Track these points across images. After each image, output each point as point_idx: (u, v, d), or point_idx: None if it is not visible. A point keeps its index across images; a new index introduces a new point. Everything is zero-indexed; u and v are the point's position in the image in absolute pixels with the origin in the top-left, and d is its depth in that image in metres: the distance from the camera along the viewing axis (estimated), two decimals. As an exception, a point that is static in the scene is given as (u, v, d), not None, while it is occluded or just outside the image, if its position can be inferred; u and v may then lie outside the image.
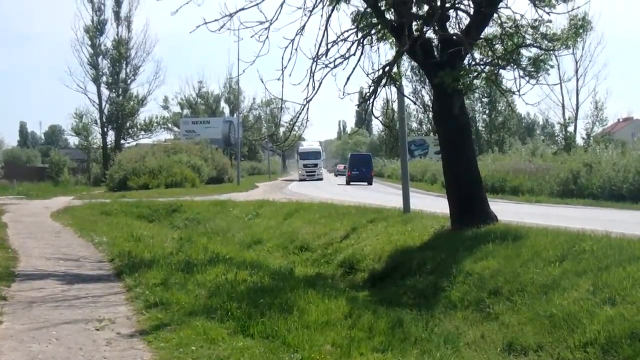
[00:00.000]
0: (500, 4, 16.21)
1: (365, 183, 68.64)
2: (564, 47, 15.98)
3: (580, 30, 15.87)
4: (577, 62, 73.01)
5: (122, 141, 78.25)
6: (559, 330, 9.65)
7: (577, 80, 74.20)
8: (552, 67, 16.13)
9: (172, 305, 10.69)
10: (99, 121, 77.18)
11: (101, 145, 77.32)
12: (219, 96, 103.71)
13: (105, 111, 77.04)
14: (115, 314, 10.58)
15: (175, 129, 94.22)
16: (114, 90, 77.47)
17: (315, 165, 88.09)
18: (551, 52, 16.05)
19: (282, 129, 55.92)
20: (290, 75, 15.52)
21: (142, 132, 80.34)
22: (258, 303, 10.55)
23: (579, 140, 74.17)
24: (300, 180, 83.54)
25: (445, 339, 9.81)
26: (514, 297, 11.24)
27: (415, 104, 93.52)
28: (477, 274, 12.69)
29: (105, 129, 77.43)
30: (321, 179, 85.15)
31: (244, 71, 30.80)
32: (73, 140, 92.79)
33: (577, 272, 11.08)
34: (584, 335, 9.18)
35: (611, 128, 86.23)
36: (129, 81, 78.34)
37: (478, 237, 14.71)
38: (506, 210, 21.74)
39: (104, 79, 76.96)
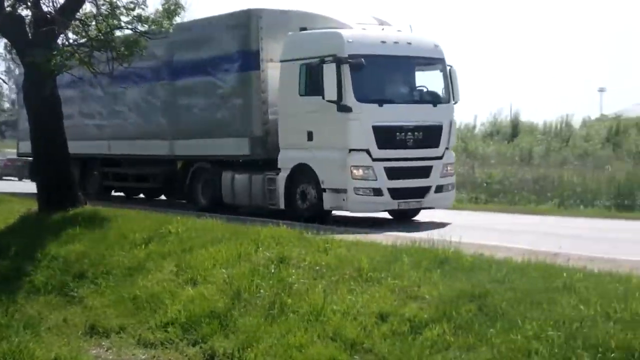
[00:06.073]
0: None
1: None
2: (158, 29, 16.15)
3: (173, 13, 16.17)
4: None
5: None
6: (143, 311, 9.85)
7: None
8: (146, 48, 16.24)
9: None
10: None
11: None
12: None
13: None
14: None
15: None
16: None
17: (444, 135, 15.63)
18: (145, 35, 16.17)
19: None
20: None
21: None
22: None
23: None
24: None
25: (25, 324, 9.63)
26: (99, 280, 11.32)
27: (6, 83, 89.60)
28: (63, 258, 12.61)
29: None
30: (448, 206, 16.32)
31: None
32: None
33: (162, 254, 11.39)
34: (166, 315, 9.45)
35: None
36: None
37: (65, 221, 14.64)
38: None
39: None
